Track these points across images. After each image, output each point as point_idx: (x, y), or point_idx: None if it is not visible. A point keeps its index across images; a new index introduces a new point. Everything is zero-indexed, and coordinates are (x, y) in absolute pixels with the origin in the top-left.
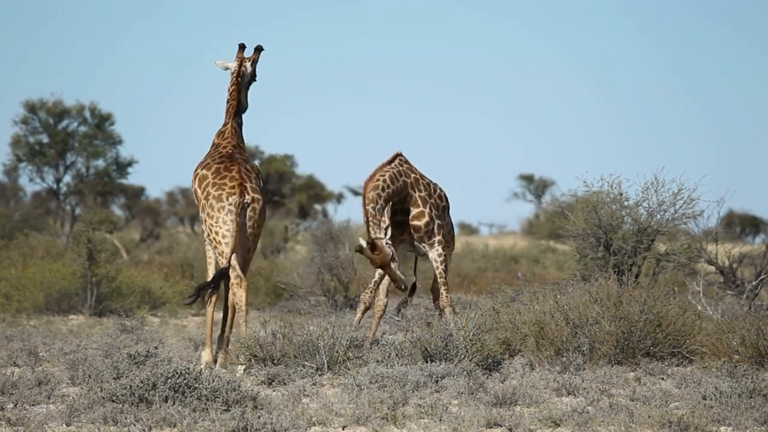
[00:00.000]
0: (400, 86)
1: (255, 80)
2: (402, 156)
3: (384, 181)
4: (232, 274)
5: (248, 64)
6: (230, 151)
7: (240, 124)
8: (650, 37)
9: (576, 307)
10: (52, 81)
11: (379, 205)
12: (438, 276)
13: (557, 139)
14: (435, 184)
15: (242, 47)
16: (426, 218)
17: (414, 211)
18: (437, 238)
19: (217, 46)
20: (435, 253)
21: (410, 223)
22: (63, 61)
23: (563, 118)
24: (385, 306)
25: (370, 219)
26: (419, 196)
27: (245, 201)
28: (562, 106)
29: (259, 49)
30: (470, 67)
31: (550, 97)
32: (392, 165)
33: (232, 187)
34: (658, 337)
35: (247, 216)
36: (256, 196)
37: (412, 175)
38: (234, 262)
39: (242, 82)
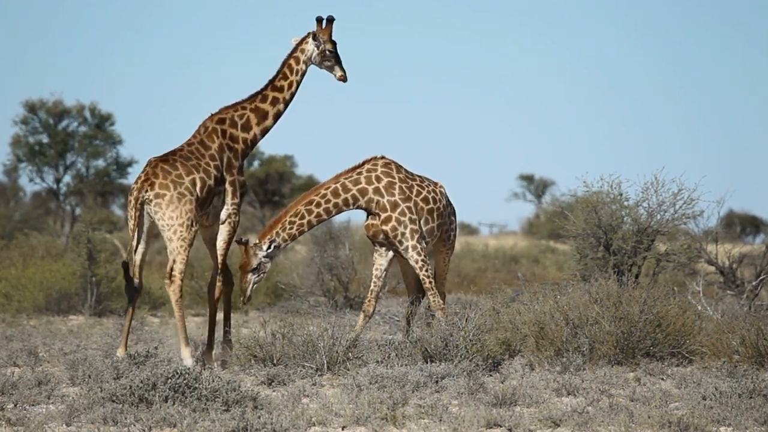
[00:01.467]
0: (401, 86)
1: (329, 55)
2: (379, 159)
3: (323, 196)
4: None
5: (310, 41)
6: (180, 147)
7: (258, 110)
8: (650, 37)
9: (576, 307)
10: (52, 81)
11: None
12: (421, 281)
13: (557, 139)
14: (423, 186)
15: (319, 21)
16: (392, 223)
17: (382, 215)
18: (411, 242)
19: (217, 46)
20: (412, 260)
21: (380, 227)
22: (63, 61)
23: (563, 118)
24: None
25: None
26: (388, 200)
27: (146, 197)
28: (562, 106)
29: (330, 20)
30: (470, 67)
31: (550, 97)
32: (345, 176)
33: (140, 184)
34: (658, 338)
35: (153, 211)
36: (161, 191)
37: (383, 181)
38: (136, 257)
39: (303, 61)
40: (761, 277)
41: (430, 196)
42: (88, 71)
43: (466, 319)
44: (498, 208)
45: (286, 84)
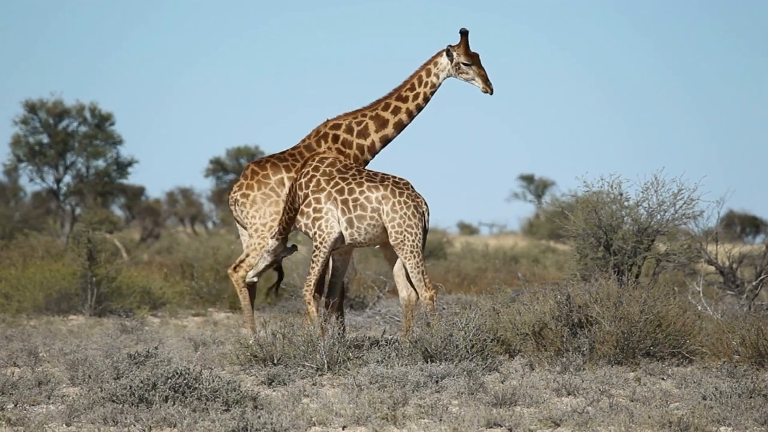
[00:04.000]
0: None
1: (464, 68)
2: (322, 153)
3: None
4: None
5: (444, 54)
6: (283, 150)
7: (378, 118)
8: (650, 37)
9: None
10: (52, 81)
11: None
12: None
13: (557, 139)
14: (348, 181)
15: (462, 34)
16: (302, 215)
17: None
18: (311, 232)
19: (217, 46)
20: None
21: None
22: (63, 61)
23: (563, 118)
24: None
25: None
26: (303, 193)
27: (234, 197)
28: (562, 106)
29: (462, 33)
30: None
31: (550, 97)
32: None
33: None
34: (658, 337)
35: (239, 210)
36: (246, 191)
37: (308, 176)
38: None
39: (434, 73)
40: (761, 277)
41: (347, 188)
42: (88, 71)
43: (466, 319)
44: (498, 208)
45: (412, 95)
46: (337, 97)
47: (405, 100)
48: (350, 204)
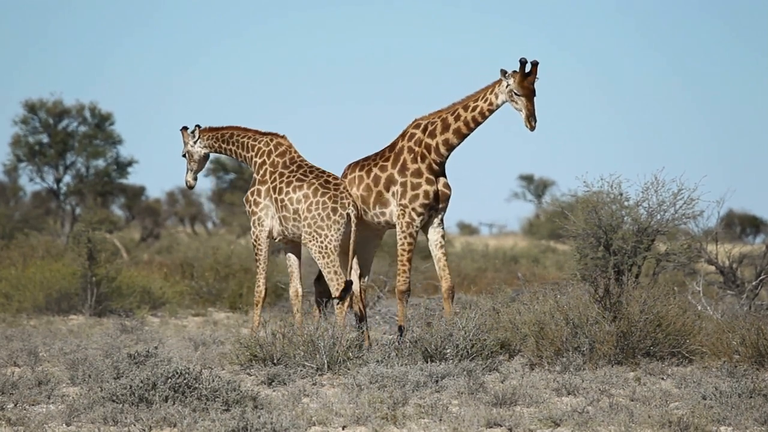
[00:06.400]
0: (400, 86)
1: (515, 97)
2: (278, 138)
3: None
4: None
5: (503, 83)
6: None
7: (444, 121)
8: (650, 37)
9: (576, 307)
10: (52, 81)
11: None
12: None
13: (557, 139)
14: (284, 177)
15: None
16: (246, 204)
17: None
18: (251, 223)
19: (217, 47)
20: None
21: None
22: (63, 61)
23: (563, 118)
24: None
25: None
26: (253, 178)
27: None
28: (562, 106)
29: (521, 63)
30: (470, 67)
31: (550, 97)
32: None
33: None
34: (658, 337)
35: None
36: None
37: (262, 159)
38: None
39: (495, 93)
40: (761, 277)
41: (278, 187)
42: (88, 71)
43: (466, 319)
44: (498, 208)
45: (473, 105)
46: (337, 98)
47: (466, 109)
48: (279, 204)
